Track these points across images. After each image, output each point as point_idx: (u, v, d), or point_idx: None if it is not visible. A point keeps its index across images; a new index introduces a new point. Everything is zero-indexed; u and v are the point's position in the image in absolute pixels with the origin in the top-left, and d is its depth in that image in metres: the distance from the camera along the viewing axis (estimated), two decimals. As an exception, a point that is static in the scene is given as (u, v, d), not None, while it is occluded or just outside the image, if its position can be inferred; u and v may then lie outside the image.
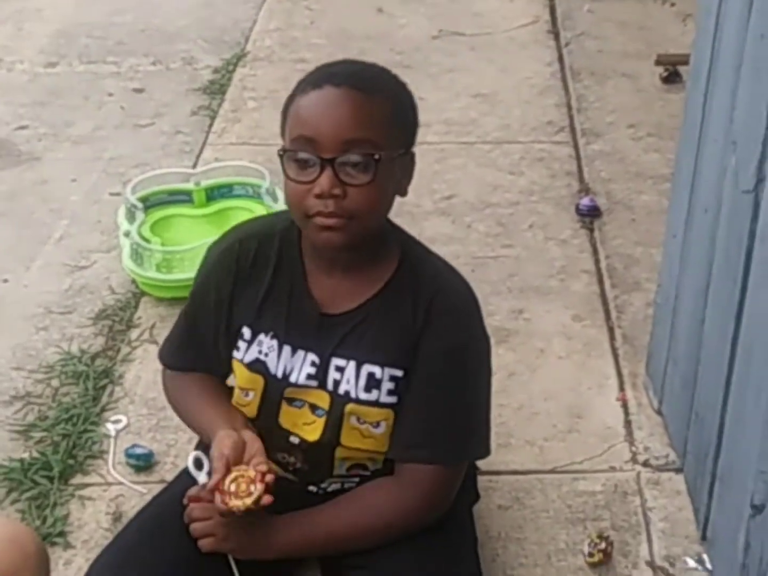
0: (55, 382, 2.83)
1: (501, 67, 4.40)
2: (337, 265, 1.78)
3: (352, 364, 1.78)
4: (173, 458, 2.55)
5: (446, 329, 1.77)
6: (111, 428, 2.65)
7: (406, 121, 1.72)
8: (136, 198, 3.30)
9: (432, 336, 1.76)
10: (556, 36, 4.67)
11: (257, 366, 1.82)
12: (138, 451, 2.53)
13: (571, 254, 3.21)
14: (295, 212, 1.69)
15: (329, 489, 1.92)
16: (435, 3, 4.99)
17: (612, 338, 2.85)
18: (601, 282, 3.08)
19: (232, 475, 1.71)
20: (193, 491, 1.84)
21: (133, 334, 2.99)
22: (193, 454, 1.88)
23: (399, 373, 1.77)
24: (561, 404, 2.64)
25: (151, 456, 2.53)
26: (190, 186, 3.41)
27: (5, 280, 3.26)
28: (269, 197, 3.28)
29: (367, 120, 1.62)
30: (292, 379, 1.80)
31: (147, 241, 3.18)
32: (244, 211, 3.34)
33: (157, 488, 2.42)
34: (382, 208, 1.71)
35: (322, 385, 1.80)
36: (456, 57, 4.49)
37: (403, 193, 1.75)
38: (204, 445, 2.03)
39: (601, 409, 2.62)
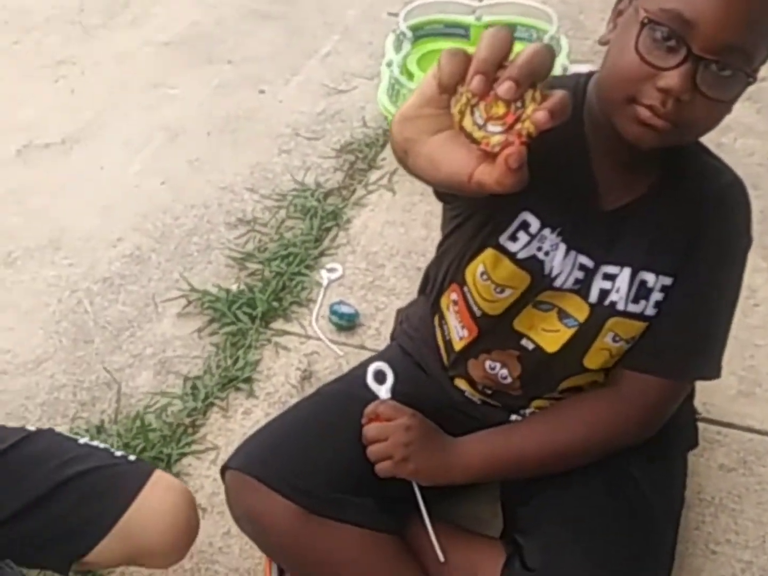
0: (282, 213, 2.69)
1: None
2: (623, 153, 1.44)
3: (627, 271, 1.50)
4: (378, 324, 2.36)
5: (722, 231, 1.51)
6: (324, 276, 2.48)
7: None
8: (409, 25, 3.03)
9: (709, 238, 1.49)
10: None
11: (531, 264, 1.50)
12: (343, 309, 2.35)
13: None
14: (615, 89, 1.33)
15: None
16: None
17: None
18: None
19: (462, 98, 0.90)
20: (371, 408, 1.63)
21: (373, 175, 2.78)
22: (374, 365, 1.66)
23: (669, 281, 1.51)
24: (830, 359, 2.22)
25: (356, 317, 2.35)
26: (470, 19, 3.08)
27: (262, 91, 3.12)
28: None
29: (762, 29, 1.27)
30: (557, 282, 1.51)
31: (410, 75, 2.91)
32: (522, 56, 2.99)
33: (353, 353, 2.29)
34: (712, 128, 1.37)
35: (584, 294, 1.52)
36: None
37: (730, 111, 1.38)
38: (389, 355, 1.82)
39: None
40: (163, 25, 3.40)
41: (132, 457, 1.62)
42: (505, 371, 1.62)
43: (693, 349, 1.55)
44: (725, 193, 1.51)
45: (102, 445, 1.64)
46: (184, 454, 2.10)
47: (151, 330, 2.39)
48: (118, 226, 2.66)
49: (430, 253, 2.48)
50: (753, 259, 1.53)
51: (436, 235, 2.54)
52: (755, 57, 1.28)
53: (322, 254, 2.55)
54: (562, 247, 1.49)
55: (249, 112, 3.03)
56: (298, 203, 2.70)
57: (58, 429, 1.69)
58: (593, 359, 1.56)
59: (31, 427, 1.63)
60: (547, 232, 1.48)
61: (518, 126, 0.84)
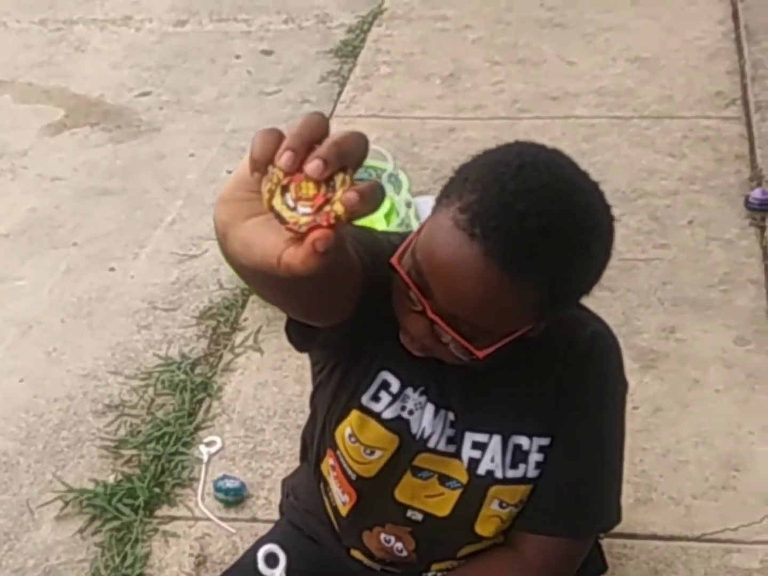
0: (150, 392, 2.61)
1: (665, 26, 3.91)
2: None
3: (497, 438, 1.44)
4: (267, 492, 2.30)
5: (594, 385, 1.45)
6: (204, 451, 2.41)
7: (563, 301, 1.25)
8: (250, 182, 3.03)
9: (580, 393, 1.44)
10: (731, -12, 4.13)
11: (397, 425, 1.45)
12: (228, 484, 2.28)
13: (737, 259, 2.77)
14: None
15: None
16: (594, -50, 4.49)
17: (781, 369, 2.43)
18: (771, 295, 2.64)
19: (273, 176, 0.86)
20: None
21: (238, 338, 2.73)
22: (263, 549, 1.58)
23: (546, 441, 1.45)
24: (715, 452, 2.24)
25: (242, 490, 2.28)
26: (308, 169, 3.11)
27: (112, 269, 3.06)
28: (390, 184, 2.95)
29: (504, 313, 1.20)
30: (431, 443, 1.46)
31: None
32: (365, 197, 3.03)
33: (247, 528, 2.21)
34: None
35: (458, 455, 1.47)
36: (614, 13, 4.02)
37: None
38: (279, 532, 1.74)
39: (764, 460, 2.21)
40: (0, 217, 3.32)
41: None
42: (400, 545, 1.56)
43: (585, 507, 1.49)
44: (593, 343, 1.45)
45: None
46: None
47: (31, 540, 2.27)
48: (-21, 434, 2.54)
49: (309, 409, 2.46)
50: (624, 360, 1.52)
51: (311, 389, 2.51)
52: (509, 328, 1.23)
53: (198, 428, 2.48)
54: (430, 407, 1.43)
55: (102, 293, 2.96)
56: (165, 379, 2.63)
57: None
58: (485, 527, 1.50)
59: None
60: (409, 391, 1.43)
61: (327, 208, 0.83)
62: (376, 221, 2.88)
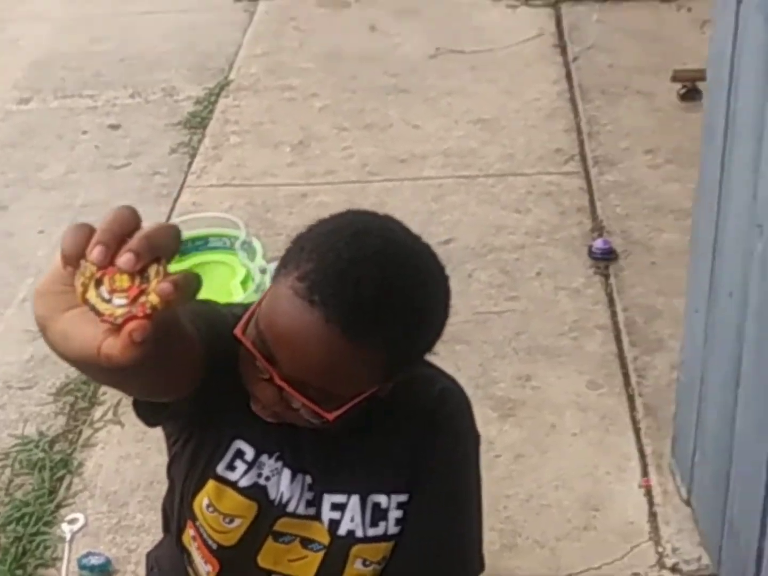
0: (8, 473, 2.54)
1: (503, 89, 4.06)
2: None
3: (355, 498, 1.46)
4: (134, 566, 2.26)
5: (447, 441, 1.48)
6: (66, 529, 2.36)
7: (406, 361, 1.31)
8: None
9: (433, 450, 1.47)
10: (563, 50, 4.31)
11: (255, 492, 1.45)
12: (93, 561, 2.23)
13: (584, 306, 2.88)
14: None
15: None
16: (432, 18, 4.64)
17: (632, 409, 2.53)
18: (618, 339, 2.75)
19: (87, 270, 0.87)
20: None
21: (97, 412, 2.69)
22: None
23: (404, 497, 1.47)
24: (575, 494, 2.31)
25: (108, 565, 2.24)
26: (162, 239, 3.10)
27: (-37, 350, 2.98)
28: (243, 251, 2.97)
29: (348, 376, 1.25)
30: (290, 508, 1.46)
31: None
32: (221, 265, 3.05)
33: (114, 606, 2.16)
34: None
35: (318, 517, 1.47)
36: (455, 78, 4.15)
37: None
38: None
39: (621, 498, 2.29)
40: None
41: None
42: None
43: (446, 560, 1.50)
44: (442, 399, 1.48)
45: None
46: None
47: None
48: None
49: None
50: (482, 410, 1.56)
51: (173, 460, 2.49)
52: (354, 391, 1.26)
53: (59, 506, 2.43)
54: (287, 471, 1.44)
55: (-47, 374, 2.88)
56: (23, 458, 2.57)
57: None
58: None
59: None
60: (264, 458, 1.44)
61: (142, 299, 0.85)
62: (233, 289, 2.90)
